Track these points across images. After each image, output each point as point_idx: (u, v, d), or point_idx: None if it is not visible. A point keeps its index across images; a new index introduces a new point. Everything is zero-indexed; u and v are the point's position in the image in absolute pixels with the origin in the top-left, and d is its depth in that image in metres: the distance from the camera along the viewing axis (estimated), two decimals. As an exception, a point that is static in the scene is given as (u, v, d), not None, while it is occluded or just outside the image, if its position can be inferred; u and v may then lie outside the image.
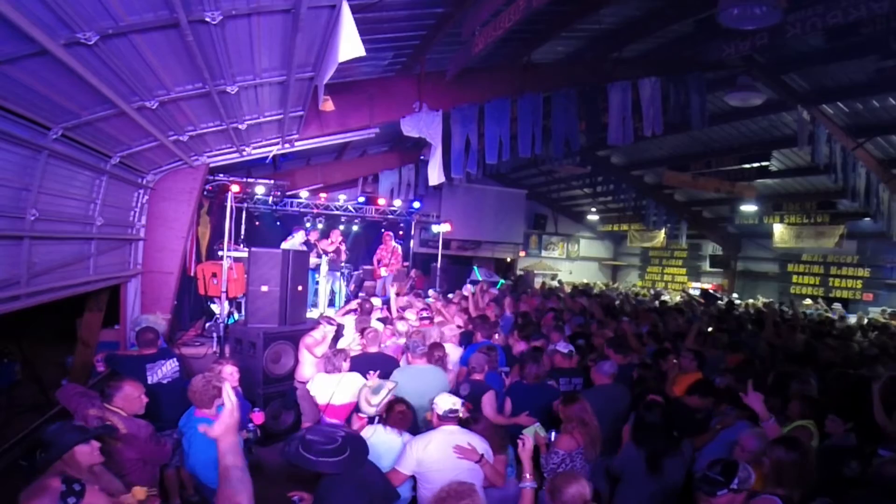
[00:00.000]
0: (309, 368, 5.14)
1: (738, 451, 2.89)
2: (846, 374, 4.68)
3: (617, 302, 9.70)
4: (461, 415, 3.11)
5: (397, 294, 8.83)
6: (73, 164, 4.35)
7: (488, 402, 3.83)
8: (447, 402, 3.07)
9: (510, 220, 17.12)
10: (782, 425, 3.33)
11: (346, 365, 4.17)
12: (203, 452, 3.07)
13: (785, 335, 6.67)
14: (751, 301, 13.12)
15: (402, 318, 6.03)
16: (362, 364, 4.30)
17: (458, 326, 5.92)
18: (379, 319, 6.05)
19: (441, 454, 2.90)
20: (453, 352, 5.00)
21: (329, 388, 4.06)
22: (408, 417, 3.25)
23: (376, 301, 7.39)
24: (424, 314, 5.94)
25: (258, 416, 3.67)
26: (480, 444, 3.03)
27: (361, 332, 5.08)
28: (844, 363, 5.53)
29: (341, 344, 5.41)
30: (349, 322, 5.80)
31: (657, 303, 10.69)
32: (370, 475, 2.60)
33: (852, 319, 10.50)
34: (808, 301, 12.77)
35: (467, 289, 8.45)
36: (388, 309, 6.70)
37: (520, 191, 17.58)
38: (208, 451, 3.02)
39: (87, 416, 2.80)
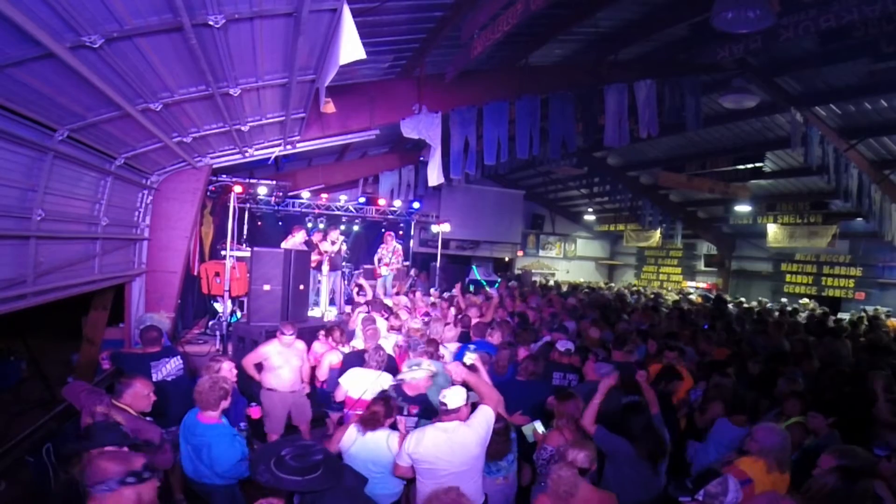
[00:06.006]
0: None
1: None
2: (842, 371, 4.77)
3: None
4: (453, 409, 2.89)
5: (396, 293, 8.90)
6: (79, 165, 4.40)
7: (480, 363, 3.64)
8: (446, 398, 2.91)
9: (508, 220, 17.22)
10: (778, 422, 3.37)
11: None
12: (213, 457, 3.02)
13: (773, 333, 6.79)
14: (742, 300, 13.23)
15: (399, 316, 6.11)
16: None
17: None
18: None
19: (434, 451, 2.81)
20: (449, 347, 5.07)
21: (364, 383, 3.98)
22: (377, 417, 3.10)
23: (389, 301, 7.43)
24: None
25: (255, 411, 3.67)
26: (474, 437, 2.90)
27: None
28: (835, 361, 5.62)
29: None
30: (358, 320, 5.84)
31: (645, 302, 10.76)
32: (355, 487, 2.42)
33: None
34: (805, 301, 12.88)
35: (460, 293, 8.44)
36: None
37: (518, 191, 17.68)
38: (215, 457, 3.02)
39: (94, 413, 2.85)
